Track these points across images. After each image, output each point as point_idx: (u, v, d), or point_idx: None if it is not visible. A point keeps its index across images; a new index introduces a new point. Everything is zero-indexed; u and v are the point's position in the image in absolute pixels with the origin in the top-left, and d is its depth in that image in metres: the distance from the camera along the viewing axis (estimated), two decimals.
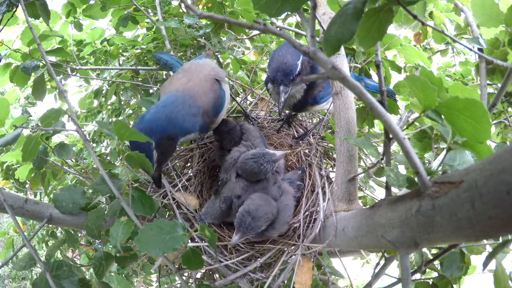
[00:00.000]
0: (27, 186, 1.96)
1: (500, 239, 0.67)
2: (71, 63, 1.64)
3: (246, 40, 1.60)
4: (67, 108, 0.95)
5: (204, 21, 1.43)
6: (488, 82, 0.99)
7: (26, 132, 1.05)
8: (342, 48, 0.94)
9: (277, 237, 1.00)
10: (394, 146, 1.53)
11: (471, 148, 0.60)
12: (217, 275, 1.08)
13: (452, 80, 1.57)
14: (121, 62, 1.72)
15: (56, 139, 1.79)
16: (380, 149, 0.71)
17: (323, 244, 0.91)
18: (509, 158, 0.39)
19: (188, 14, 1.27)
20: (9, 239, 1.97)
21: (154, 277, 2.13)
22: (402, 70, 1.48)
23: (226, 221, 1.09)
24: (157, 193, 1.10)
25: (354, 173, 0.88)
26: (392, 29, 1.43)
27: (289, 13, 1.07)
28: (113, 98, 1.91)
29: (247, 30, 1.43)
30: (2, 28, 1.09)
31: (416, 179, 0.53)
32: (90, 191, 1.18)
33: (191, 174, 1.22)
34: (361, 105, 1.14)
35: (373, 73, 1.36)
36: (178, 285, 1.29)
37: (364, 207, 0.82)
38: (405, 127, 1.71)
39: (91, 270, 0.86)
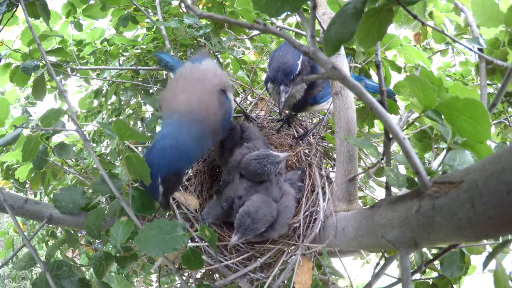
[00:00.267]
0: (27, 186, 1.96)
1: (500, 239, 0.67)
2: (71, 63, 1.64)
3: (246, 40, 1.60)
4: (67, 108, 0.95)
5: (204, 21, 1.43)
6: (488, 82, 0.99)
7: (26, 132, 1.05)
8: (342, 48, 0.94)
9: (277, 237, 1.00)
10: (394, 146, 1.53)
11: (471, 148, 0.60)
12: (217, 275, 1.08)
13: (452, 80, 1.56)
14: (121, 62, 1.72)
15: (56, 139, 1.79)
16: (380, 149, 0.71)
17: (323, 244, 0.91)
18: (509, 158, 0.39)
19: (188, 14, 1.27)
20: (9, 239, 1.97)
21: (154, 277, 2.13)
22: (402, 70, 1.48)
23: (227, 221, 1.09)
24: None
25: (354, 173, 0.88)
26: (392, 29, 1.43)
27: (289, 13, 1.07)
28: (113, 98, 1.91)
29: (247, 30, 1.43)
30: (2, 28, 1.09)
31: (416, 179, 0.53)
32: (90, 191, 1.18)
33: (191, 174, 1.22)
34: (361, 105, 1.14)
35: (373, 73, 1.36)
36: (178, 285, 1.29)
37: (364, 207, 0.82)
38: (405, 127, 1.71)
39: (91, 270, 0.86)
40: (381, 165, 0.74)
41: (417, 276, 0.86)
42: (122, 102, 1.92)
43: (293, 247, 0.99)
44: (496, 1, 0.83)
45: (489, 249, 0.87)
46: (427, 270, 0.96)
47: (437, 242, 0.52)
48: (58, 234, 2.02)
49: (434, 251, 1.10)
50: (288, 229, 1.00)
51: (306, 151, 1.21)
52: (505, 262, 0.75)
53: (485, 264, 0.66)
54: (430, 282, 0.88)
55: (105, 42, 1.73)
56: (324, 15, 1.01)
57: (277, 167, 1.01)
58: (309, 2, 0.48)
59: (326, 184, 1.07)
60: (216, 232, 1.02)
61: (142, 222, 0.88)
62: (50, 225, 1.92)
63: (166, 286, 1.34)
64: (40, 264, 0.82)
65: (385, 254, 0.90)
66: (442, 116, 0.59)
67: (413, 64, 1.42)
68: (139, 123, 1.91)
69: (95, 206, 1.03)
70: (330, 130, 1.32)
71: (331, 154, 1.25)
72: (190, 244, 0.75)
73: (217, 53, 1.43)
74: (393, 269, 1.36)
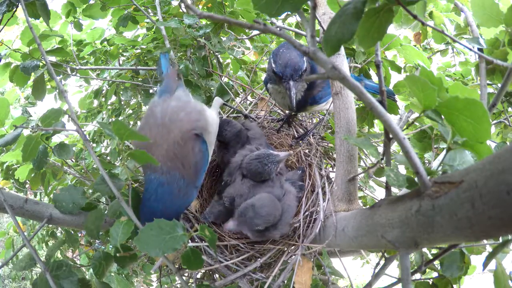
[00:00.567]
0: (27, 186, 1.96)
1: (500, 239, 0.67)
2: (71, 63, 1.64)
3: (246, 40, 1.60)
4: (67, 108, 0.95)
5: (204, 21, 1.43)
6: (488, 82, 0.99)
7: (26, 132, 1.05)
8: (342, 48, 0.94)
9: (278, 237, 1.00)
10: (394, 146, 1.53)
11: (471, 148, 0.60)
12: (217, 275, 1.08)
13: (452, 80, 1.56)
14: (121, 62, 1.72)
15: (56, 139, 1.79)
16: (380, 149, 0.71)
17: (323, 244, 0.91)
18: (509, 158, 0.39)
19: (188, 14, 1.26)
20: (9, 239, 1.97)
21: (154, 277, 2.13)
22: (402, 70, 1.47)
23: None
24: None
25: (354, 173, 0.88)
26: (392, 29, 1.43)
27: (289, 13, 1.07)
28: (113, 98, 1.91)
29: (247, 30, 1.43)
30: (2, 28, 1.09)
31: (416, 179, 0.53)
32: (90, 191, 1.18)
33: None
34: (361, 105, 1.14)
35: (373, 73, 1.36)
36: (178, 285, 1.29)
37: (364, 207, 0.82)
38: (405, 127, 1.71)
39: (91, 270, 0.85)
40: (381, 165, 0.74)
41: (417, 276, 0.86)
42: (122, 102, 1.92)
43: (293, 247, 0.99)
44: (496, 1, 0.83)
45: (489, 249, 0.87)
46: (427, 270, 0.97)
47: (437, 242, 0.52)
48: (58, 234, 2.02)
49: (434, 251, 1.10)
50: (290, 229, 1.00)
51: (306, 151, 1.21)
52: (505, 262, 0.75)
53: (485, 264, 0.66)
54: (430, 282, 0.88)
55: (105, 42, 1.72)
56: (324, 15, 1.01)
57: (278, 166, 1.03)
58: (309, 2, 0.48)
59: (326, 184, 1.07)
60: (216, 232, 1.02)
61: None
62: (50, 225, 1.92)
63: (166, 286, 1.34)
64: (40, 264, 0.82)
65: (385, 254, 0.90)
66: (442, 116, 0.59)
67: (413, 64, 1.42)
68: (139, 123, 1.91)
69: (95, 206, 1.03)
70: (330, 130, 1.32)
71: (331, 154, 1.25)
72: (190, 244, 0.75)
73: (217, 53, 1.43)
74: (393, 269, 1.36)
